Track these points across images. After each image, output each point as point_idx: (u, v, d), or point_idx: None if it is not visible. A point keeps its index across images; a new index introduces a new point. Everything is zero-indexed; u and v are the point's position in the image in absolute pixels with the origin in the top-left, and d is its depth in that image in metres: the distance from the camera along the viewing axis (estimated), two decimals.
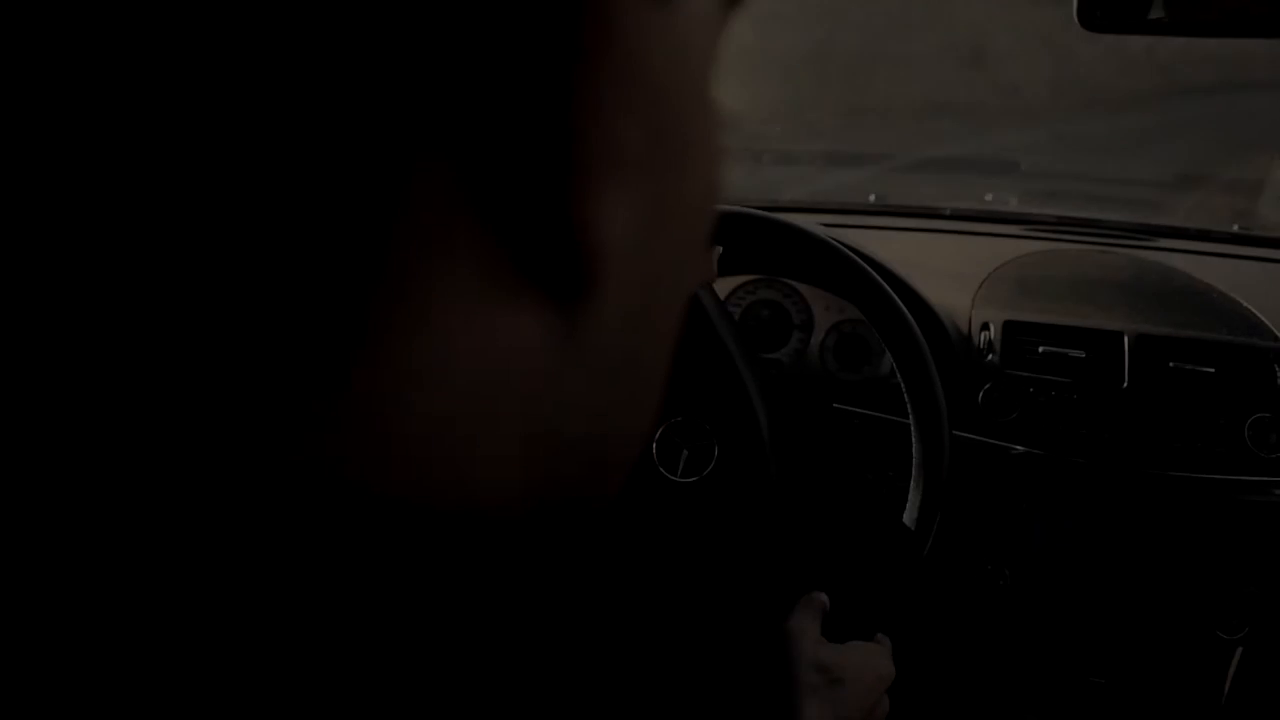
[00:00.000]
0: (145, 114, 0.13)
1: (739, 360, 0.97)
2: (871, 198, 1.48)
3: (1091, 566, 0.96)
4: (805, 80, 4.51)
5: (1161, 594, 0.95)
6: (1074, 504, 0.95)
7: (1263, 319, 0.98)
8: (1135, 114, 4.70)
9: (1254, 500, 0.91)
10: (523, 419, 0.18)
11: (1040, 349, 0.98)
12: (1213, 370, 0.94)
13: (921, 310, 0.98)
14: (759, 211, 0.80)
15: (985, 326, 1.00)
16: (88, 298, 0.14)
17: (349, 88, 0.14)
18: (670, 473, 0.77)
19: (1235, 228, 1.39)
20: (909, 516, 0.80)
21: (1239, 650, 0.94)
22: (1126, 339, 0.96)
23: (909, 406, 0.81)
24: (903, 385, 0.80)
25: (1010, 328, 0.99)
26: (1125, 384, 0.95)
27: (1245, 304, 1.00)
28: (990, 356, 0.98)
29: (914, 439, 0.81)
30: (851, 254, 0.79)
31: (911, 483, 0.82)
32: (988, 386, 0.97)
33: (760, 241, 0.83)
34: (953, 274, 1.07)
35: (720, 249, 0.74)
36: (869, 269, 0.78)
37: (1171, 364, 0.95)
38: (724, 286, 0.99)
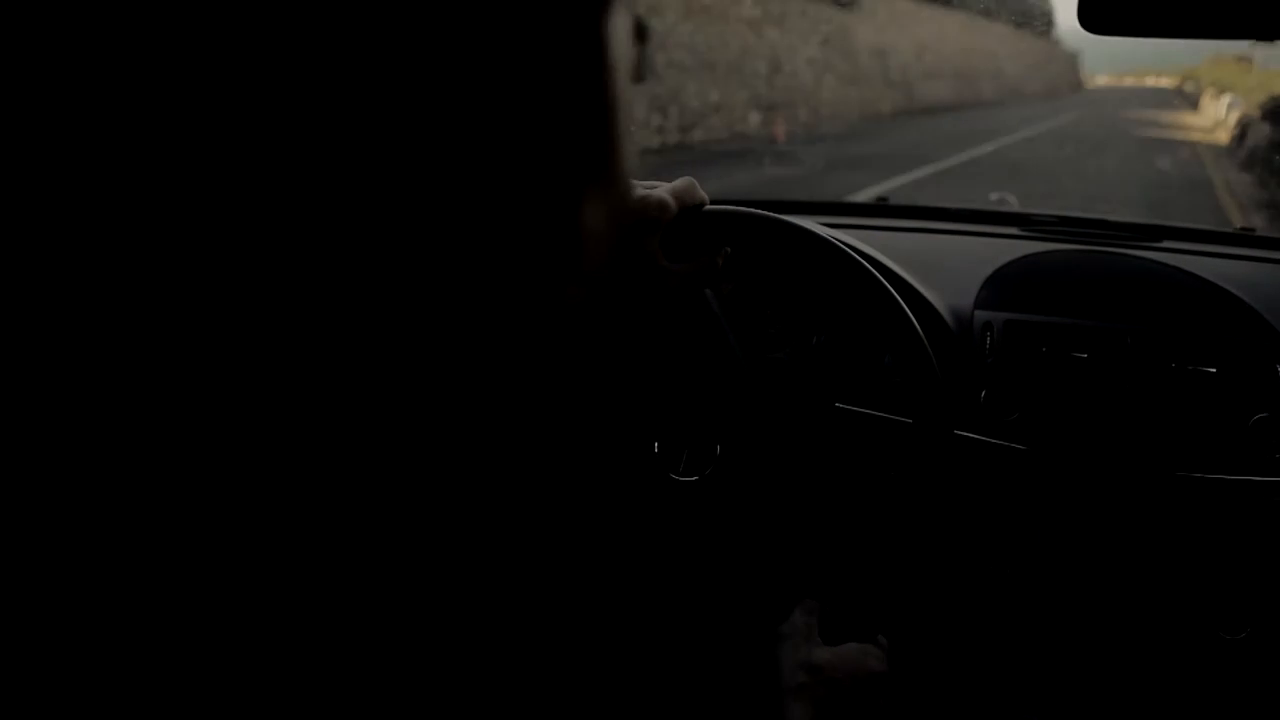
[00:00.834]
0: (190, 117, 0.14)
1: (740, 360, 0.97)
2: (875, 198, 1.48)
3: (1092, 567, 0.96)
4: None
5: (1163, 594, 0.95)
6: (1075, 504, 0.95)
7: (1264, 319, 0.98)
8: None
9: (1256, 500, 0.91)
10: None
11: (1042, 349, 0.98)
12: (1214, 370, 0.94)
13: (924, 310, 0.98)
14: (762, 211, 0.80)
15: (987, 327, 1.00)
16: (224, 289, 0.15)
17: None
18: (671, 471, 0.77)
19: (1235, 228, 1.39)
20: (908, 517, 0.81)
21: (1240, 651, 0.94)
22: (1128, 339, 0.97)
23: (911, 407, 0.81)
24: (905, 385, 0.81)
25: (1012, 328, 0.99)
26: (1127, 384, 0.95)
27: (1246, 304, 1.00)
28: (992, 357, 0.98)
29: (915, 439, 0.81)
30: (853, 253, 0.79)
31: (911, 482, 0.82)
32: (989, 387, 0.97)
33: (763, 241, 0.83)
34: (955, 274, 1.07)
35: (728, 250, 0.75)
36: (871, 268, 0.78)
37: (1173, 364, 0.95)
38: (726, 286, 0.99)
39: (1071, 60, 32.25)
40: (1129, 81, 38.34)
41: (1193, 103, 26.42)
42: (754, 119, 13.39)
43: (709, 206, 0.82)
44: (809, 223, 0.82)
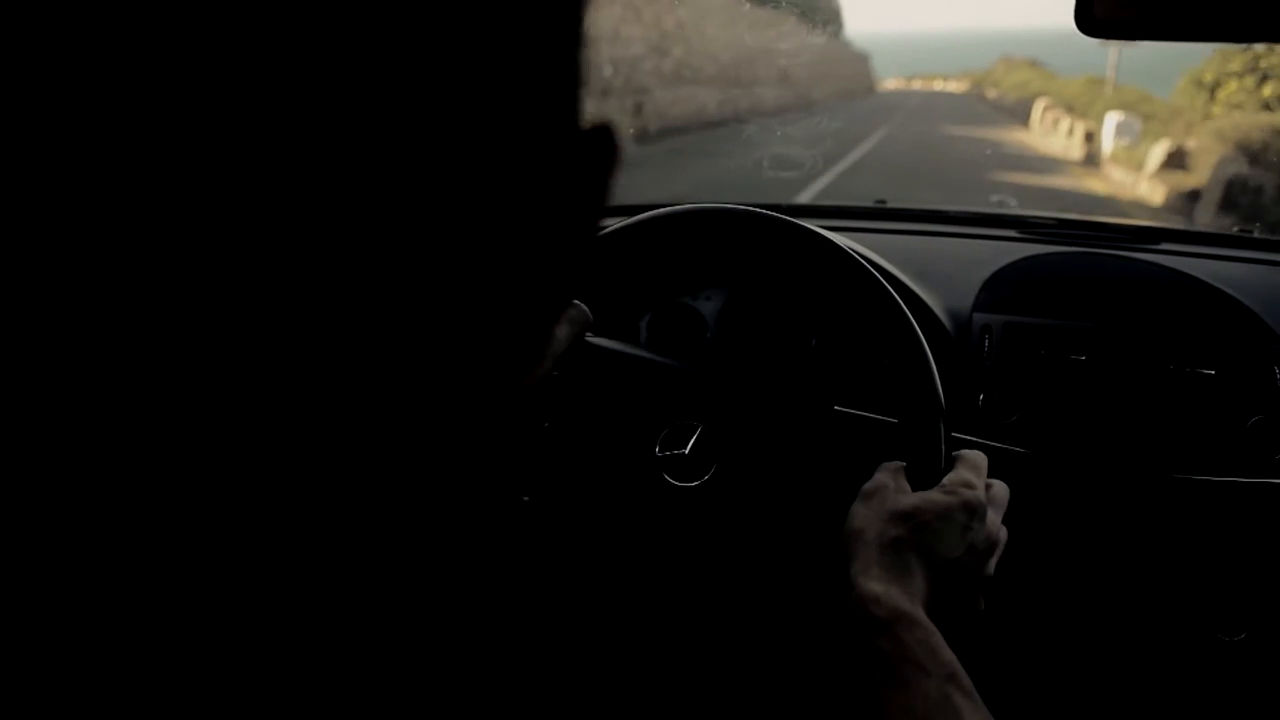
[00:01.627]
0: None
1: (739, 363, 0.97)
2: (875, 200, 1.48)
3: (1092, 568, 0.96)
4: None
5: (1162, 596, 0.95)
6: (1074, 506, 0.95)
7: (1262, 320, 0.98)
8: None
9: (1254, 502, 0.91)
10: None
11: (1040, 352, 0.98)
12: (1213, 372, 0.94)
13: (923, 313, 0.98)
14: (763, 213, 0.80)
15: (986, 329, 1.00)
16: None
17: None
18: (670, 477, 0.77)
19: (1235, 230, 1.40)
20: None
21: (1237, 653, 0.94)
22: (1127, 341, 0.97)
23: (910, 408, 0.81)
24: (903, 388, 0.80)
25: (1010, 330, 0.99)
26: (1125, 386, 0.95)
27: (1244, 305, 1.00)
28: (990, 360, 0.98)
29: (914, 439, 0.81)
30: (853, 256, 0.79)
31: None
32: (988, 389, 0.97)
33: (764, 243, 0.83)
34: (953, 277, 1.07)
35: (730, 253, 0.75)
36: (871, 271, 0.78)
37: (1171, 366, 0.95)
38: (725, 289, 0.99)
39: (864, 62, 31.13)
40: (918, 85, 38.72)
41: (1016, 116, 19.74)
42: None
43: (710, 206, 0.82)
44: (809, 224, 0.82)
